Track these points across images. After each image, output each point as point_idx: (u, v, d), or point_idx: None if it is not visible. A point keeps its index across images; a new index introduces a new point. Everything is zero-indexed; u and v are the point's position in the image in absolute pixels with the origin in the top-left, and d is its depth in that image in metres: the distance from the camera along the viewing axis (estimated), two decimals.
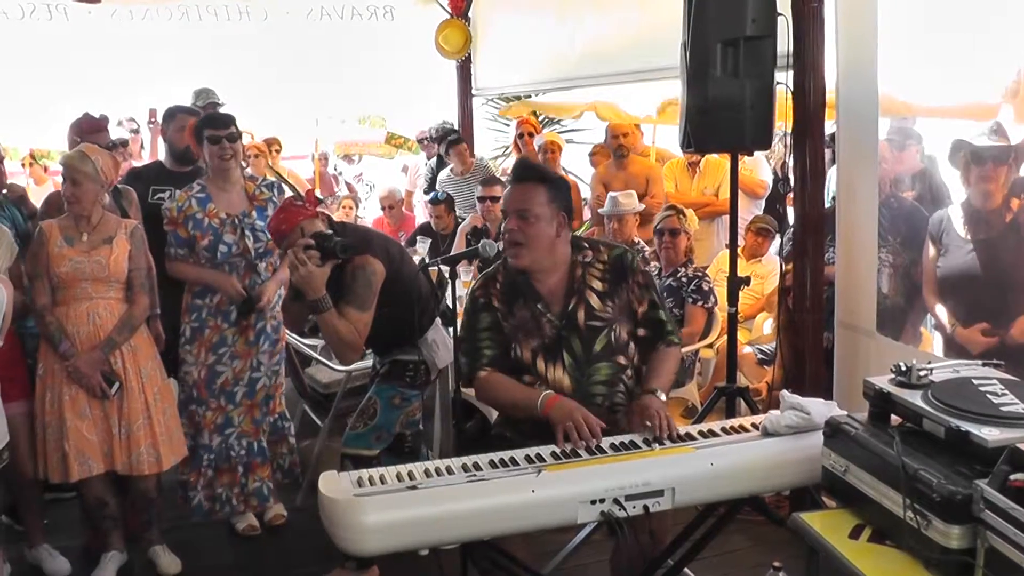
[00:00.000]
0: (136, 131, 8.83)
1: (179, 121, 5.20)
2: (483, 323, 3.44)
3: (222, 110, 6.48)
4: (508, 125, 11.23)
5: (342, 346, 3.87)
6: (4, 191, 4.79)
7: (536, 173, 3.45)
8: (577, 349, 3.37)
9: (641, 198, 6.82)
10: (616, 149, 7.63)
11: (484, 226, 6.76)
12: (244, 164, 4.79)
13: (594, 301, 3.39)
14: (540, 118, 10.59)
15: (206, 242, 4.50)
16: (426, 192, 9.03)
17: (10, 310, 3.62)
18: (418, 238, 7.68)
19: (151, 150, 7.88)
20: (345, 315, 3.81)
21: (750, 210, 7.46)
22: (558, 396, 3.22)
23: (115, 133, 7.40)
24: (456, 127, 8.94)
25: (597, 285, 3.41)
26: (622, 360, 3.43)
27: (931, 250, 3.86)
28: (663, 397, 3.27)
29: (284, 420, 4.92)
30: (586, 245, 3.49)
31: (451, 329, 3.85)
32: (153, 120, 7.69)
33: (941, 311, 3.87)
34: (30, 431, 4.18)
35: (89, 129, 4.95)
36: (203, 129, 4.60)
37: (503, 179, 7.56)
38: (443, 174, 8.44)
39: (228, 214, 4.55)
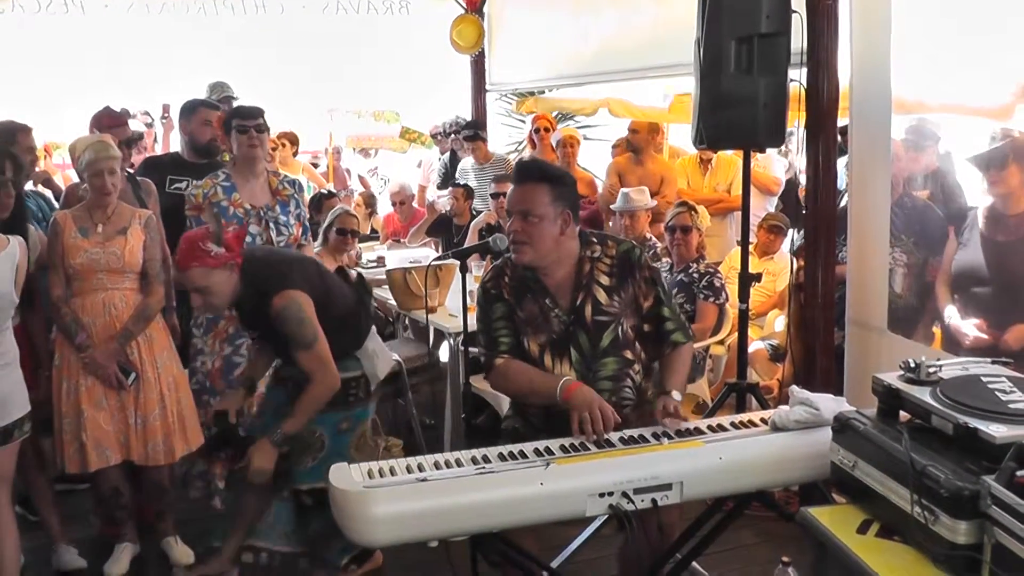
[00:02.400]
0: (150, 124, 8.87)
1: (201, 115, 5.22)
2: (497, 312, 3.44)
3: (236, 103, 6.51)
4: (523, 121, 11.22)
5: (325, 399, 3.79)
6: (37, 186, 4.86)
7: (537, 173, 3.43)
8: (584, 344, 3.37)
9: (652, 196, 6.83)
10: (628, 143, 7.66)
11: (498, 223, 6.77)
12: (269, 158, 4.83)
13: (601, 296, 3.38)
14: (554, 114, 10.59)
15: (230, 230, 4.52)
16: (439, 188, 9.04)
17: (24, 265, 3.65)
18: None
19: (164, 144, 7.90)
20: (299, 361, 3.73)
21: (764, 207, 7.46)
22: (578, 383, 3.22)
23: (132, 126, 7.43)
24: (470, 122, 8.94)
25: (604, 280, 3.40)
26: (629, 355, 3.42)
27: (953, 243, 3.87)
28: (678, 397, 3.27)
29: None
30: (594, 240, 3.48)
31: (464, 322, 3.87)
32: (166, 115, 7.71)
33: (948, 303, 3.89)
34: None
35: (110, 124, 4.97)
36: (232, 119, 4.65)
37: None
38: (465, 163, 8.43)
39: (252, 205, 4.58)
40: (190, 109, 5.29)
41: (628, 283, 3.42)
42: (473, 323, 3.76)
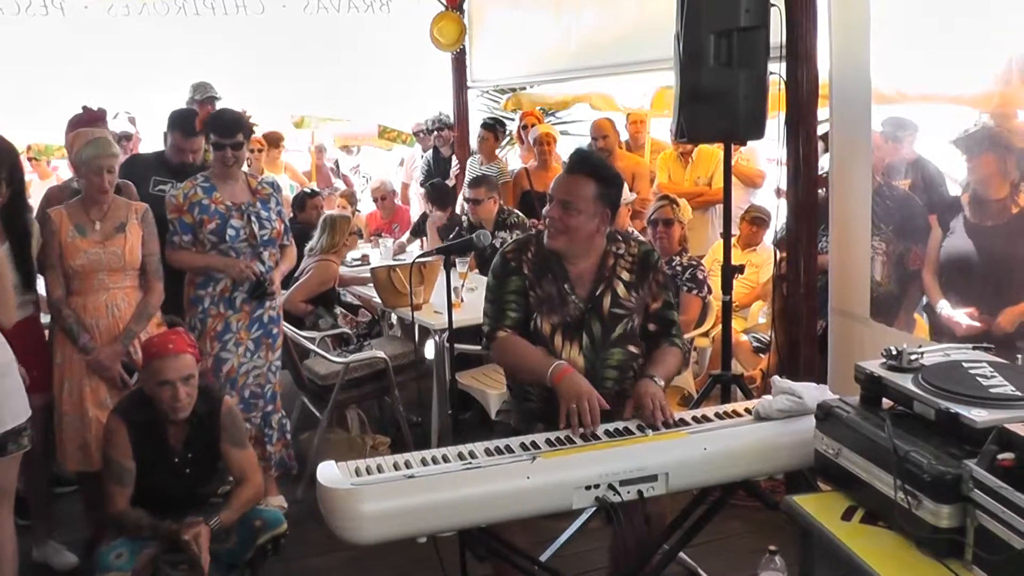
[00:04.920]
0: (133, 120, 8.79)
1: (174, 140, 5.15)
2: (512, 286, 3.44)
3: (219, 103, 6.48)
4: (508, 118, 11.23)
5: (255, 501, 3.86)
6: None
7: (589, 167, 3.43)
8: (596, 332, 3.40)
9: None
10: (599, 151, 7.57)
11: (450, 222, 6.71)
12: (248, 163, 4.79)
13: (621, 290, 3.43)
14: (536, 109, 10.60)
15: (213, 226, 4.51)
16: (422, 184, 9.04)
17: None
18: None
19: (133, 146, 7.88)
20: (235, 462, 3.82)
21: (747, 199, 7.47)
22: (570, 369, 3.24)
23: (117, 126, 7.42)
24: (452, 119, 8.94)
25: (625, 276, 3.45)
26: (634, 349, 3.46)
27: (937, 231, 3.89)
28: (660, 383, 3.29)
29: (282, 417, 4.93)
30: (619, 237, 3.53)
31: (449, 319, 3.88)
32: (133, 126, 7.67)
33: (936, 291, 3.91)
34: (47, 424, 4.18)
35: (89, 121, 4.94)
36: (210, 131, 4.60)
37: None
38: (472, 161, 8.39)
39: (233, 202, 4.57)
40: (169, 127, 5.24)
41: (644, 283, 3.48)
42: (459, 320, 3.77)
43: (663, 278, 3.54)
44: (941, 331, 3.87)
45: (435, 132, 8.99)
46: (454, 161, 8.73)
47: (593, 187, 3.34)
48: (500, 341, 3.43)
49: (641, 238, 3.83)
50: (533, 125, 8.53)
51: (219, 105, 6.72)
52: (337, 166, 12.60)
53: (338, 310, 6.21)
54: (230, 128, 4.58)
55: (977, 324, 3.69)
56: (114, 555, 3.59)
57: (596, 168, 3.44)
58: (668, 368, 3.44)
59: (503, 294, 3.46)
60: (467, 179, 7.69)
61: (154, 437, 3.71)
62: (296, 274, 6.19)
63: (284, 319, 5.48)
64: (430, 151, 9.21)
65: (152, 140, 8.09)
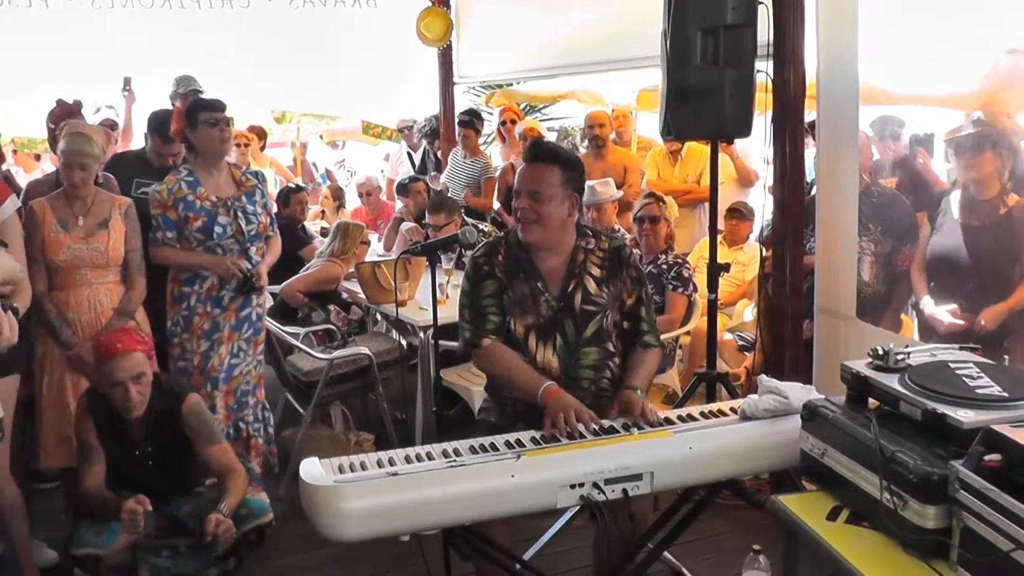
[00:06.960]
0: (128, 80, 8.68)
1: (154, 144, 5.12)
2: (488, 290, 3.43)
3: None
4: (491, 113, 11.22)
5: (246, 487, 3.84)
6: None
7: (549, 153, 3.44)
8: (570, 332, 3.38)
9: (618, 187, 6.82)
10: (592, 140, 7.60)
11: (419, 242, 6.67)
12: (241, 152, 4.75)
13: (591, 286, 3.41)
14: (522, 106, 10.58)
15: (199, 223, 4.43)
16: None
17: None
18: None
19: (126, 115, 7.78)
20: (211, 458, 3.78)
21: (740, 199, 7.47)
22: (559, 389, 3.22)
23: (103, 115, 7.36)
24: (440, 117, 8.92)
25: (596, 272, 3.43)
26: (610, 347, 3.45)
27: (927, 227, 3.90)
28: (641, 395, 3.28)
29: (264, 410, 4.90)
30: (589, 232, 3.52)
31: (434, 315, 3.85)
32: (128, 88, 7.59)
33: (924, 289, 3.92)
34: (25, 418, 4.13)
35: (64, 115, 4.88)
36: (198, 112, 4.47)
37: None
38: (455, 153, 8.38)
39: (219, 197, 4.51)
40: (149, 131, 5.18)
41: (616, 278, 3.45)
42: (444, 316, 3.74)
43: (637, 273, 3.51)
44: (927, 328, 3.88)
45: (427, 133, 8.99)
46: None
47: (558, 173, 3.34)
48: (486, 350, 3.40)
49: (615, 234, 3.79)
50: (513, 121, 8.52)
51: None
52: (315, 166, 12.55)
53: (332, 307, 6.19)
54: (219, 105, 4.53)
55: (960, 322, 3.71)
56: (93, 531, 3.56)
57: (556, 154, 3.44)
58: (648, 373, 3.46)
59: (480, 299, 3.44)
60: (445, 174, 7.72)
61: (116, 431, 3.69)
62: (301, 271, 6.28)
63: (279, 308, 5.43)
64: (421, 149, 9.18)
65: (137, 134, 8.05)
